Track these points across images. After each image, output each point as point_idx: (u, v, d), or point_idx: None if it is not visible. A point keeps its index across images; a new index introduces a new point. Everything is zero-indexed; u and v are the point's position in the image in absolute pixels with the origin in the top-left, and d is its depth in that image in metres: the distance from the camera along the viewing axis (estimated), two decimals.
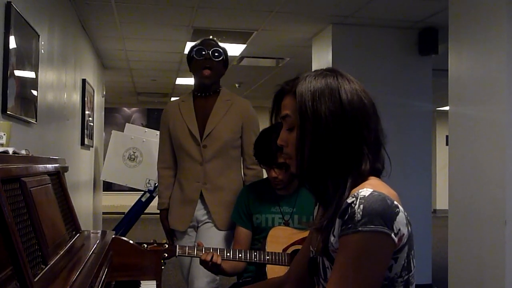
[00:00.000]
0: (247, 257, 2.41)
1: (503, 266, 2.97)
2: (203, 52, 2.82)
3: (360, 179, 1.27)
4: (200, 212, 2.87)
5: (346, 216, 1.20)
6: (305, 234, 1.63)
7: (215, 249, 2.39)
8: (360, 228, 1.17)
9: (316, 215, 1.48)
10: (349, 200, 1.22)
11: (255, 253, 2.41)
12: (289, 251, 2.44)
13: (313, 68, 5.44)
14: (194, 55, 2.85)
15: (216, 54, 2.83)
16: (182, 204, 2.88)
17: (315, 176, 1.30)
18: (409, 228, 1.23)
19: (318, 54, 5.63)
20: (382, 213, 1.18)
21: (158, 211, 2.99)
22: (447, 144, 3.76)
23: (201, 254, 2.35)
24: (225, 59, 2.89)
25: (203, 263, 2.34)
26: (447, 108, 3.60)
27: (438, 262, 5.89)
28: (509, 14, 3.01)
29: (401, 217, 1.21)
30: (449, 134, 3.57)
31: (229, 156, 2.86)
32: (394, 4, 4.60)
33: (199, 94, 2.92)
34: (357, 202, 1.19)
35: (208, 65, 2.82)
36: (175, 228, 2.93)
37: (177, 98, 3.11)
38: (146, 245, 2.35)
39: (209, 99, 2.90)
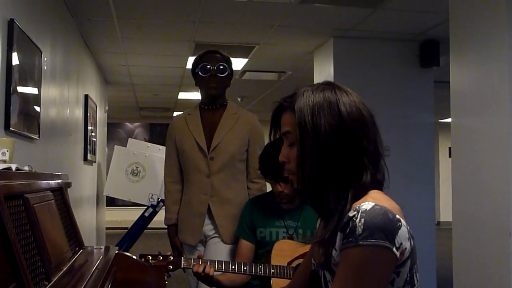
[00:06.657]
0: (252, 270, 2.40)
1: (508, 278, 2.95)
2: (208, 67, 2.83)
3: (361, 191, 1.26)
4: (207, 227, 2.86)
5: (348, 230, 1.20)
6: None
7: (220, 262, 2.38)
8: (361, 242, 1.16)
9: (318, 229, 1.48)
10: (351, 214, 1.21)
11: (260, 266, 2.40)
12: (294, 264, 2.43)
13: (315, 81, 5.45)
14: (200, 72, 2.85)
15: (221, 68, 2.84)
16: (190, 217, 2.86)
17: (316, 190, 1.29)
18: (412, 242, 1.22)
19: (319, 67, 5.65)
20: (383, 227, 1.17)
21: (161, 226, 2.97)
22: (449, 156, 3.75)
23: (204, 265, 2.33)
24: (230, 72, 2.90)
25: (196, 274, 2.33)
26: (449, 120, 3.59)
27: (442, 275, 5.85)
28: (510, 25, 3.02)
29: (403, 231, 1.20)
30: (452, 145, 3.57)
31: (236, 168, 2.86)
32: (395, 17, 4.62)
33: (206, 107, 2.92)
34: (358, 216, 1.19)
35: (213, 81, 2.83)
36: (186, 242, 2.89)
37: (181, 112, 3.11)
38: (150, 257, 2.34)
39: (216, 112, 2.90)
